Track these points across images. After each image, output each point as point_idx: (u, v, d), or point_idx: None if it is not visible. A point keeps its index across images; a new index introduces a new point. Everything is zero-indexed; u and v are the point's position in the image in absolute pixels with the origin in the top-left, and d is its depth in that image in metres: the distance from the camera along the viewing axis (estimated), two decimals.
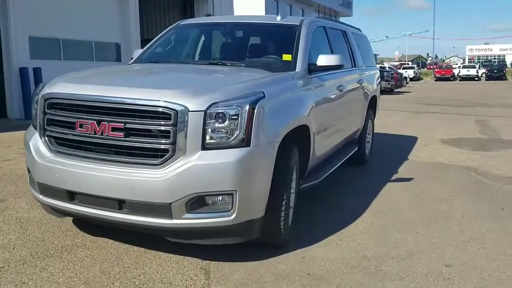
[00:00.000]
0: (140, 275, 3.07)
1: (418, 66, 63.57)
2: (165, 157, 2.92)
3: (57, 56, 11.57)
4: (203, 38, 4.81)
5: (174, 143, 2.90)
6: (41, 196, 3.36)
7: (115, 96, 3.03)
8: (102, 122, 3.01)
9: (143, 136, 2.96)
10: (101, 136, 3.02)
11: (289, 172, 3.40)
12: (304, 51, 4.14)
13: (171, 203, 2.90)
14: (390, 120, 12.02)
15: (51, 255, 3.33)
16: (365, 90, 6.00)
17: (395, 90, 26.87)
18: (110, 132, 2.99)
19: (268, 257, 3.36)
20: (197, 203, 2.95)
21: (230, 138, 2.95)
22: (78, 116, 3.11)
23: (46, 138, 3.29)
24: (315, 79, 4.18)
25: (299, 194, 4.15)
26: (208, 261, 3.28)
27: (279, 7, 28.88)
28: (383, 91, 24.17)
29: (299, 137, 3.81)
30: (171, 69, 4.03)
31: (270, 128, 3.13)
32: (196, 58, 4.65)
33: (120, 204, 3.01)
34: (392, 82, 25.78)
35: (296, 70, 3.98)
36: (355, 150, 5.82)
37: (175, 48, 4.74)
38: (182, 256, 3.34)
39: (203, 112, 2.91)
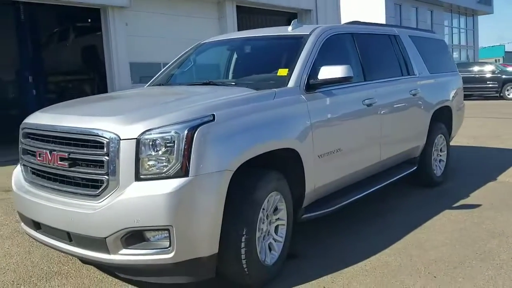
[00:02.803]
0: None
1: None
2: (101, 189, 2.77)
3: None
4: (211, 56, 4.62)
5: (107, 174, 2.74)
6: (22, 224, 3.46)
7: (61, 125, 2.99)
8: (53, 152, 2.98)
9: (84, 166, 2.86)
10: (53, 166, 2.99)
11: (253, 204, 2.98)
12: (303, 64, 3.67)
13: (105, 238, 2.73)
14: (509, 130, 10.41)
15: (29, 282, 3.38)
16: (425, 101, 5.18)
17: None
18: (58, 162, 2.94)
19: None
20: (133, 238, 2.73)
21: (166, 167, 2.69)
22: (37, 145, 3.13)
23: (22, 167, 3.39)
24: (319, 95, 3.69)
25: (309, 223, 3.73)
26: None
27: (402, 11, 27.28)
28: None
29: (287, 162, 3.39)
30: (152, 94, 3.89)
31: (218, 154, 2.79)
32: (196, 78, 4.45)
33: (69, 236, 2.93)
34: None
35: (288, 85, 3.55)
36: (410, 171, 5.05)
37: (190, 68, 4.60)
38: None
39: (135, 140, 2.70)
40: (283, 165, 3.40)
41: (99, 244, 2.77)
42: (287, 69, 3.70)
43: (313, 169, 3.54)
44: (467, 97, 22.91)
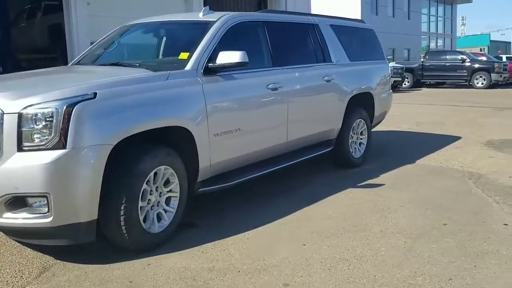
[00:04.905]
0: None
1: None
2: None
3: None
4: (131, 38, 4.86)
5: None
6: None
7: None
8: None
9: None
10: None
11: (135, 176, 3.28)
12: (203, 49, 3.95)
13: None
14: (456, 118, 10.83)
15: None
16: (340, 88, 5.49)
17: None
18: None
19: (117, 261, 3.30)
20: (15, 203, 3.01)
21: (46, 140, 2.97)
22: None
23: None
24: (218, 78, 3.97)
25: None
26: (59, 261, 3.33)
27: (378, 0, 27.51)
28: (495, 85, 22.04)
29: (181, 139, 3.69)
30: (57, 72, 4.18)
31: (96, 130, 3.06)
32: (111, 59, 4.67)
33: None
34: (506, 75, 22.98)
35: (185, 68, 3.83)
36: (322, 152, 5.38)
37: (110, 49, 4.83)
38: (42, 254, 3.43)
39: (17, 114, 2.96)
40: (178, 141, 3.70)
41: None
42: (187, 53, 3.97)
43: (207, 147, 3.84)
44: (439, 85, 23.60)
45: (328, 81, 5.30)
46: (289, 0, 16.52)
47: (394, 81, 20.94)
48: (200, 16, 4.44)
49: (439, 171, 5.78)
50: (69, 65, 4.80)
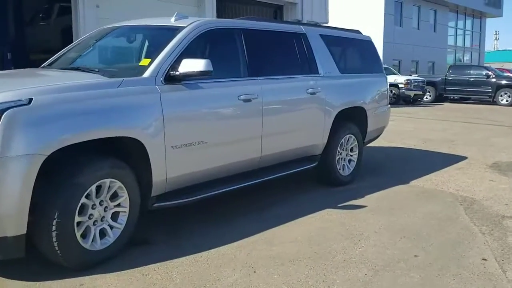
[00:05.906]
0: None
1: None
2: None
3: None
4: (100, 43, 4.67)
5: None
6: None
7: None
8: None
9: None
10: None
11: (72, 189, 3.05)
12: (165, 56, 3.73)
13: None
14: (468, 136, 10.35)
15: None
16: (326, 101, 5.18)
17: None
18: None
19: (48, 279, 3.08)
20: None
21: None
22: None
23: None
24: (180, 87, 3.74)
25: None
26: None
27: (403, 9, 26.95)
28: None
29: (134, 150, 3.47)
30: (11, 75, 4.01)
31: (28, 138, 2.86)
32: (75, 63, 4.48)
33: None
34: None
35: (144, 75, 3.61)
36: (303, 168, 5.07)
37: (81, 53, 4.67)
38: None
39: None
40: (130, 153, 3.48)
41: None
42: (149, 60, 3.76)
43: (163, 160, 3.60)
44: (463, 100, 22.89)
45: (312, 93, 5.01)
46: (306, 11, 16.26)
47: (415, 94, 20.47)
48: (172, 21, 4.23)
49: (431, 194, 5.40)
50: (40, 67, 4.64)
